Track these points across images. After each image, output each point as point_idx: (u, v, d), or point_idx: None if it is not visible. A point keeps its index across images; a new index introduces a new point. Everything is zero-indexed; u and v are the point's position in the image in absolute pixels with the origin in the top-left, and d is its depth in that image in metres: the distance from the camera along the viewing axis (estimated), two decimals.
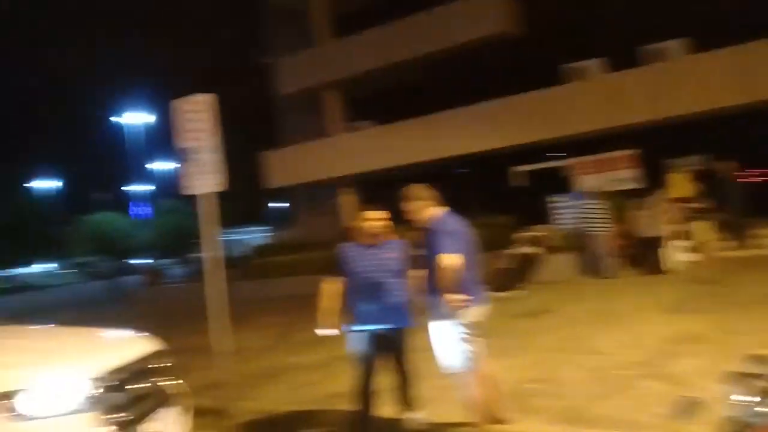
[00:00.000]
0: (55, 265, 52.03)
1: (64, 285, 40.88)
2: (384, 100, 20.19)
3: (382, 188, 10.51)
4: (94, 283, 34.42)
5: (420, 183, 4.61)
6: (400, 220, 4.59)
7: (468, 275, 4.23)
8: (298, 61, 20.74)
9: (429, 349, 4.53)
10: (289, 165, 20.67)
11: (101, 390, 3.40)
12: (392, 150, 18.20)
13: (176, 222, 50.39)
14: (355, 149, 19.28)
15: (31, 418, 3.18)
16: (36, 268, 49.95)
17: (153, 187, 59.58)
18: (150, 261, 44.66)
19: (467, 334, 4.26)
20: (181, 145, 5.83)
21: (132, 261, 47.35)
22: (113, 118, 58.71)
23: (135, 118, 59.04)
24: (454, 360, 4.35)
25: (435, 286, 4.18)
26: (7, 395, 3.16)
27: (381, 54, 18.60)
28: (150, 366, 3.93)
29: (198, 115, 5.77)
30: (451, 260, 4.09)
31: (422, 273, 4.37)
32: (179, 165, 5.92)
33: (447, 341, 4.34)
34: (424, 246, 4.35)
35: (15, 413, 3.15)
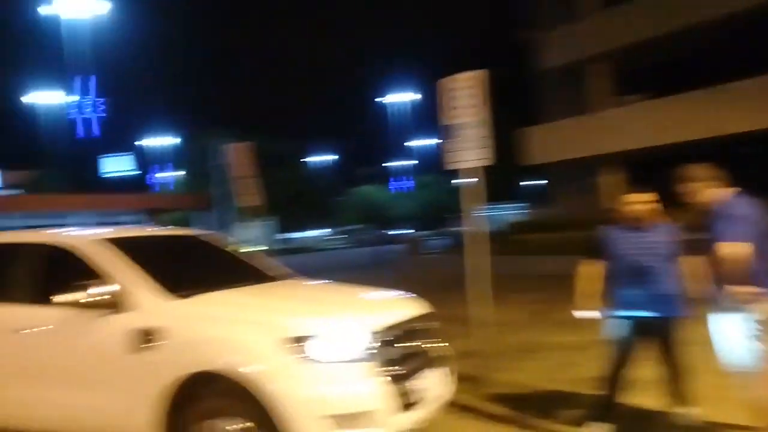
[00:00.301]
0: (328, 230, 57.91)
1: (334, 250, 45.33)
2: (657, 72, 18.64)
3: (652, 167, 9.79)
4: (360, 249, 37.60)
5: (698, 162, 4.20)
6: (673, 202, 4.25)
7: (761, 265, 3.77)
8: (564, 33, 20.03)
9: (706, 342, 4.14)
10: (551, 142, 20.17)
11: (379, 343, 3.71)
12: (666, 126, 16.75)
13: (434, 196, 52.91)
14: (624, 125, 18.09)
15: (318, 362, 3.55)
16: (309, 233, 55.89)
17: (414, 162, 63.06)
18: (411, 231, 47.51)
19: (759, 330, 3.81)
20: (446, 122, 6.03)
21: (393, 231, 50.95)
22: (379, 98, 63.20)
23: (399, 97, 62.80)
24: (740, 357, 3.93)
25: (717, 275, 3.81)
26: (300, 340, 3.55)
27: (657, 22, 17.12)
28: (420, 327, 4.19)
29: (467, 92, 5.92)
30: (733, 248, 3.68)
31: (702, 260, 4.00)
32: (443, 141, 6.12)
33: (732, 336, 3.93)
34: (705, 231, 3.98)
35: (305, 356, 3.53)
